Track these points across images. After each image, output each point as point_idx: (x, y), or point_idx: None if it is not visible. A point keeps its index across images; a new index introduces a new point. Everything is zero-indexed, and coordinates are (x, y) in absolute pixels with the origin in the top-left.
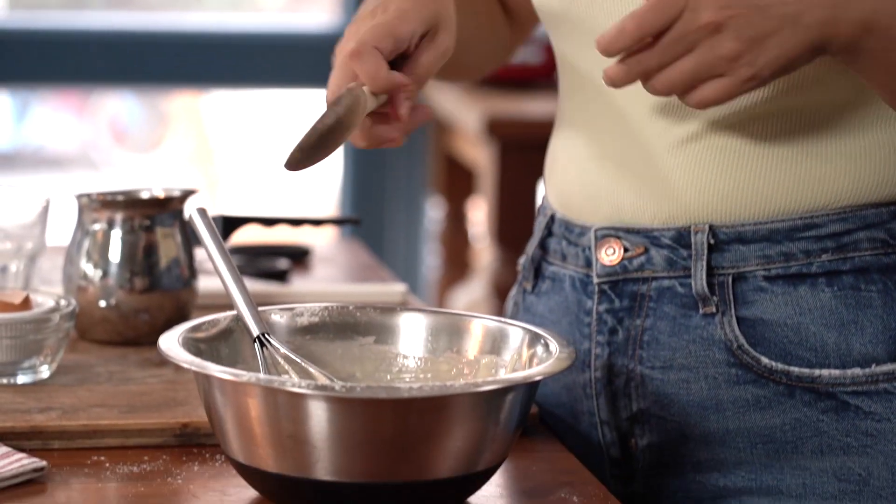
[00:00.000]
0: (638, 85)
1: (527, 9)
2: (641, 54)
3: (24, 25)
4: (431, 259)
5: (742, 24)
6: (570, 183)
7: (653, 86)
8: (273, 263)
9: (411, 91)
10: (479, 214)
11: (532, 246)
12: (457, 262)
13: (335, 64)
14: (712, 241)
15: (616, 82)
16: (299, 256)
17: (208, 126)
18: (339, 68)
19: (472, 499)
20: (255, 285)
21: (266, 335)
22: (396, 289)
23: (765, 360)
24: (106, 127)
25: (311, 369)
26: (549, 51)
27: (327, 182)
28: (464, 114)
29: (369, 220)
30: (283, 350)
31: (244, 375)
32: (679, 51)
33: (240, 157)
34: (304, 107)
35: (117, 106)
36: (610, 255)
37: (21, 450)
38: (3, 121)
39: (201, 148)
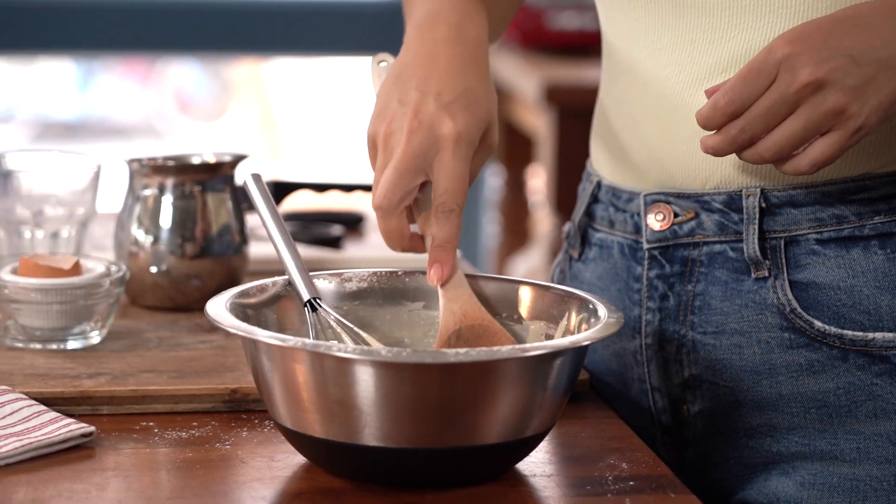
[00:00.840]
0: (672, 60)
1: None
2: (745, 122)
3: None
4: (491, 227)
5: (842, 76)
6: (619, 149)
7: (759, 153)
8: (326, 230)
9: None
10: (538, 182)
11: (578, 213)
12: (516, 231)
13: (403, 150)
14: (764, 205)
15: (720, 154)
16: (353, 223)
17: (271, 94)
18: (412, 158)
19: (519, 465)
20: (308, 251)
21: (317, 300)
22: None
23: (818, 323)
24: (170, 96)
25: (362, 334)
26: None
27: None
28: (522, 81)
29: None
30: (333, 315)
31: (291, 340)
32: (783, 113)
33: (303, 124)
34: (366, 74)
35: (182, 74)
36: (660, 220)
37: (70, 415)
38: (67, 90)
39: (264, 116)
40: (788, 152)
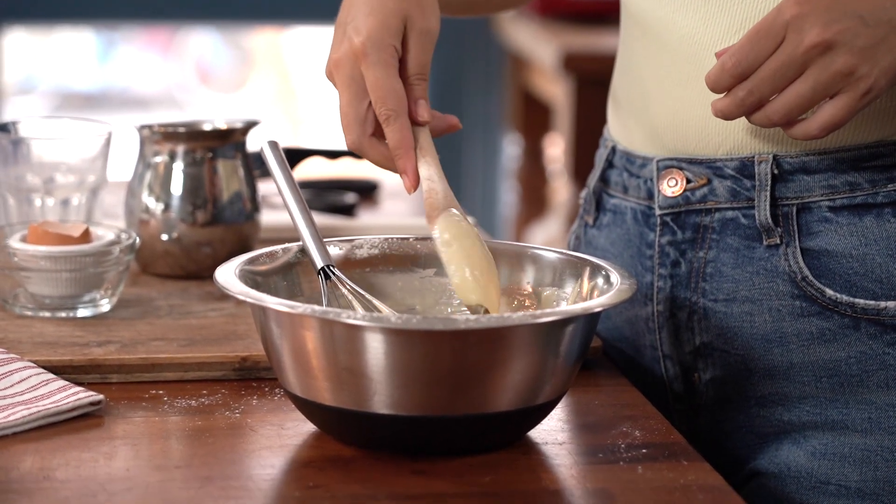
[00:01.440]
0: (700, 14)
1: None
2: (753, 84)
3: None
4: (508, 196)
5: (850, 38)
6: (633, 114)
7: (768, 116)
8: (341, 198)
9: (420, 93)
10: (556, 151)
11: (593, 178)
12: (534, 199)
13: (338, 83)
14: (776, 171)
15: (729, 116)
16: (368, 191)
17: (290, 64)
18: (347, 87)
19: (532, 433)
20: (322, 219)
21: (330, 267)
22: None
23: (829, 291)
24: (191, 66)
25: (374, 302)
26: None
27: None
28: (540, 49)
29: (445, 157)
30: (347, 282)
31: (300, 307)
32: (791, 75)
33: (322, 94)
34: None
35: (202, 45)
36: (672, 186)
37: (79, 384)
38: (87, 61)
39: (284, 87)
40: (798, 115)
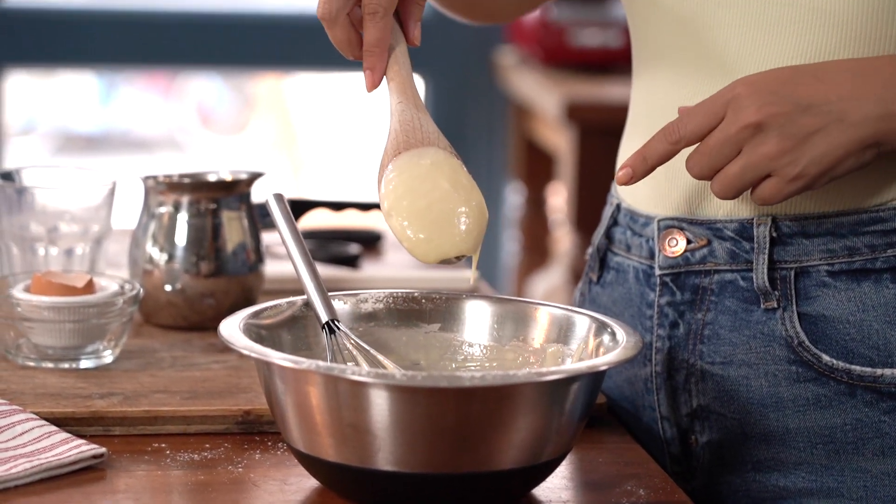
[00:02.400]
0: (706, 79)
1: None
2: (693, 157)
3: (109, 6)
4: (511, 245)
5: (783, 122)
6: None
7: (713, 188)
8: (344, 248)
9: (420, 15)
10: (558, 200)
11: (598, 235)
12: (536, 249)
13: None
14: (775, 234)
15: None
16: (371, 242)
17: (292, 109)
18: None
19: (536, 490)
20: (325, 270)
21: (335, 321)
22: (467, 275)
23: (826, 357)
24: (192, 109)
25: (379, 357)
26: (629, 34)
27: None
28: (543, 98)
29: None
30: (352, 337)
31: (304, 363)
32: (727, 153)
33: (323, 140)
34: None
35: (204, 88)
36: (673, 246)
37: (81, 436)
38: (89, 103)
39: (285, 131)
40: (738, 190)
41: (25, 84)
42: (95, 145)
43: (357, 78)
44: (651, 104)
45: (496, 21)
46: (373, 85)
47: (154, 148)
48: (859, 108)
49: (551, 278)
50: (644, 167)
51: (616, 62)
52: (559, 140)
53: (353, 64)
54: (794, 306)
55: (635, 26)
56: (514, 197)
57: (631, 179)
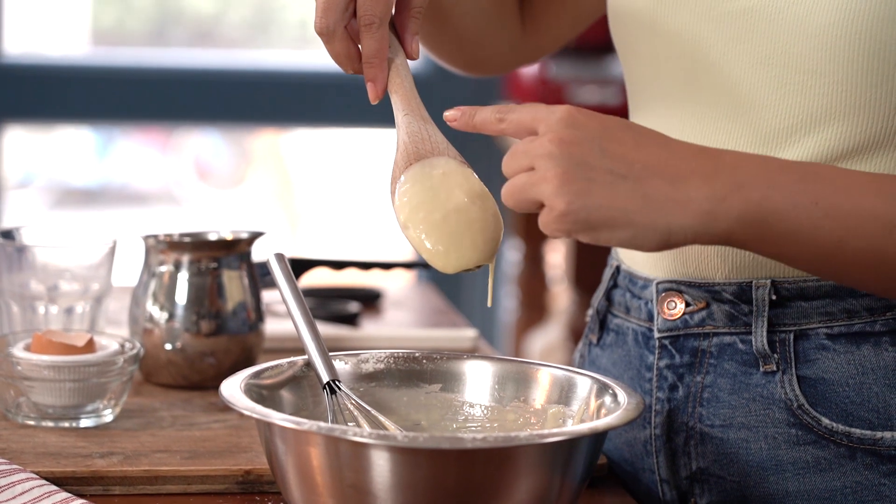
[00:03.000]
0: (708, 140)
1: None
2: (506, 155)
3: (107, 62)
4: (508, 301)
5: (580, 163)
6: None
7: (503, 199)
8: (344, 306)
9: (417, 28)
10: (556, 257)
11: (598, 297)
12: (534, 305)
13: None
14: (774, 297)
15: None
16: (371, 300)
17: (290, 164)
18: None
19: None
20: (325, 328)
21: (336, 382)
22: (467, 334)
23: (825, 420)
24: (189, 163)
25: (380, 418)
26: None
27: None
28: None
29: None
30: (353, 397)
31: (305, 424)
32: (521, 164)
33: (321, 195)
34: (384, 146)
35: (201, 142)
36: (671, 309)
37: (81, 495)
38: (86, 157)
39: (283, 185)
40: (515, 203)
41: (23, 138)
42: (92, 199)
43: (355, 134)
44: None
45: (484, 71)
46: (376, 96)
47: (151, 201)
48: (660, 188)
49: (549, 335)
50: (469, 122)
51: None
52: None
53: (352, 120)
54: (794, 369)
55: (635, 63)
56: (513, 253)
57: (454, 122)
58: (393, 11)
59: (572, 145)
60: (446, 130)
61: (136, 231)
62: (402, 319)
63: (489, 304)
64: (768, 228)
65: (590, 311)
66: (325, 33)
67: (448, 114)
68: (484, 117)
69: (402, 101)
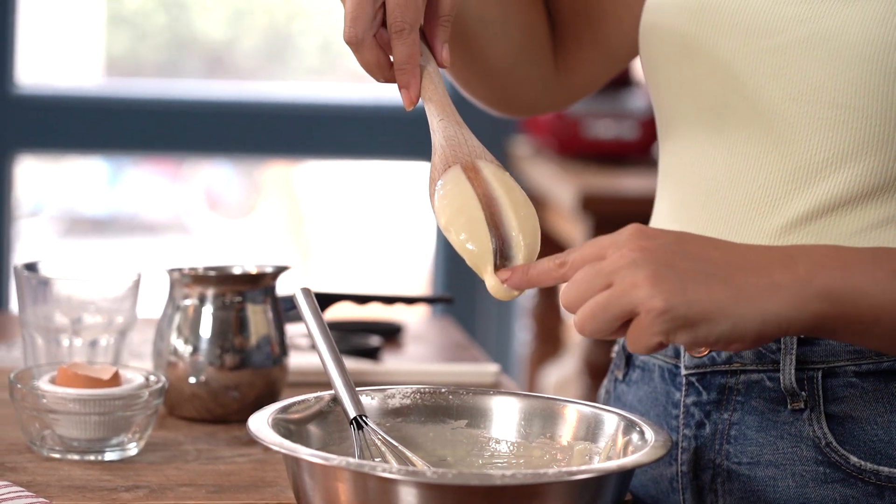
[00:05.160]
0: (738, 173)
1: (575, 38)
2: (566, 287)
3: (120, 93)
4: (523, 334)
5: (661, 260)
6: None
7: (575, 324)
8: (365, 340)
9: (447, 36)
10: None
11: None
12: (549, 338)
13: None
14: (802, 335)
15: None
16: (391, 334)
17: (300, 194)
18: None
19: None
20: (348, 363)
21: (363, 417)
22: (489, 369)
23: (854, 458)
24: (200, 192)
25: (407, 453)
26: (644, 126)
27: (420, 260)
28: (557, 189)
29: (462, 297)
30: (380, 433)
31: (334, 459)
32: (596, 284)
33: (331, 226)
34: (394, 178)
35: (211, 172)
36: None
37: None
38: (97, 186)
39: (293, 216)
40: (598, 328)
41: (34, 168)
42: (103, 228)
43: (366, 165)
44: (679, 169)
45: (515, 110)
46: (410, 102)
47: (161, 231)
48: (745, 277)
49: (563, 368)
50: (524, 279)
51: (631, 154)
52: (574, 231)
53: (361, 152)
54: (822, 407)
55: (666, 93)
56: None
57: (508, 281)
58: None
59: (653, 251)
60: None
61: (149, 261)
62: (424, 353)
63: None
64: (854, 306)
65: (615, 348)
66: (355, 42)
67: (500, 275)
68: (541, 269)
69: (437, 107)
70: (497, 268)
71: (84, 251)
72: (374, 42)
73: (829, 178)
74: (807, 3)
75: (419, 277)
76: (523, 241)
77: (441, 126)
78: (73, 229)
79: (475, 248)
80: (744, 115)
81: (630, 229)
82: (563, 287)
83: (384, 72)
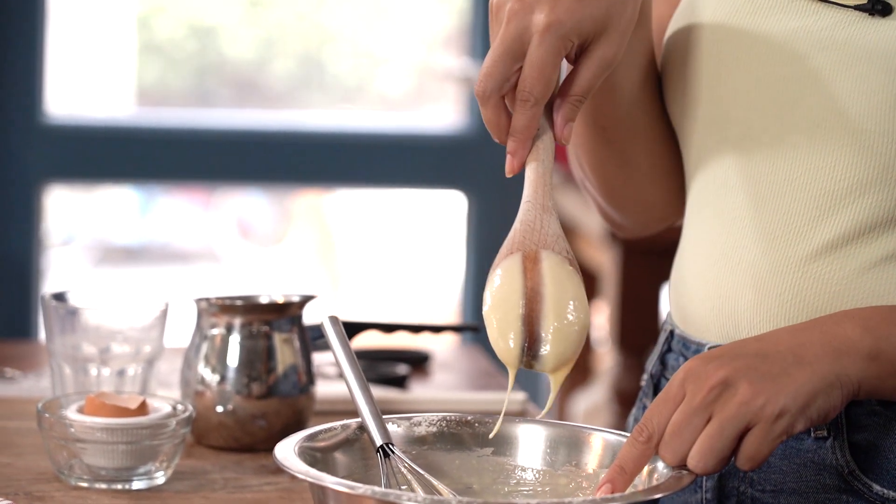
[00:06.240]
0: (764, 202)
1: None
2: (665, 445)
3: (151, 123)
4: None
5: (747, 371)
6: (689, 297)
7: (694, 465)
8: (392, 368)
9: (573, 115)
10: (600, 318)
11: (652, 361)
12: (578, 366)
13: (504, 31)
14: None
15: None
16: (419, 362)
17: (331, 223)
18: (510, 42)
19: None
20: (375, 391)
21: (390, 445)
22: (516, 397)
23: (876, 487)
24: (231, 221)
25: (433, 482)
26: None
27: (450, 289)
28: (587, 218)
29: None
30: (406, 460)
31: (359, 488)
32: (698, 423)
33: (362, 254)
34: (425, 206)
35: (242, 200)
36: None
37: None
38: (128, 215)
39: (324, 244)
40: (720, 456)
41: (66, 197)
42: (134, 257)
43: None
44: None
45: (632, 219)
46: (511, 171)
47: (192, 259)
48: (809, 349)
49: (592, 396)
50: (623, 477)
51: None
52: (602, 259)
53: (392, 181)
54: (845, 435)
55: (690, 126)
56: None
57: (613, 490)
58: (555, 91)
59: (732, 367)
60: (479, 242)
61: (179, 289)
62: (451, 382)
63: (544, 411)
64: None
65: (644, 376)
66: (482, 97)
67: (604, 485)
68: (634, 457)
69: (531, 187)
70: (526, 365)
71: (116, 280)
72: (500, 102)
73: (854, 204)
74: (831, 28)
75: (449, 306)
76: (551, 349)
77: (524, 209)
78: (106, 258)
79: (503, 345)
80: (769, 144)
81: (689, 365)
82: (662, 445)
83: (500, 134)
